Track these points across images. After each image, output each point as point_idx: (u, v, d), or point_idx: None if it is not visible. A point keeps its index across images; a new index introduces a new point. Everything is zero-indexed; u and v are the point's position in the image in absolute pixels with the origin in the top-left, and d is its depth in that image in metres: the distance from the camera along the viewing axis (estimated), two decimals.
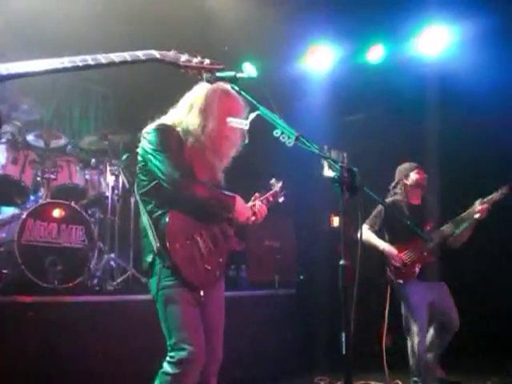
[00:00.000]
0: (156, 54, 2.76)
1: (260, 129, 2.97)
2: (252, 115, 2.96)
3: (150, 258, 3.38)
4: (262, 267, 7.90)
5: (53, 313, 4.80)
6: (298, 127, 2.89)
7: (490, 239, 7.20)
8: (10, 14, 6.95)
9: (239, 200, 3.47)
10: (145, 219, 3.49)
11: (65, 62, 2.51)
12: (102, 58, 2.57)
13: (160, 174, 3.33)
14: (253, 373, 5.69)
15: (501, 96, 6.92)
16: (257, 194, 3.89)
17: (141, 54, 2.70)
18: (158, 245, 3.29)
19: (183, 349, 3.16)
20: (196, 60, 2.88)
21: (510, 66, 6.90)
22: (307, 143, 2.80)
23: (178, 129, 3.47)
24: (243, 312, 6.19)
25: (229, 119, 3.14)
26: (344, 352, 2.53)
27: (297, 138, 2.78)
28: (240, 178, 3.83)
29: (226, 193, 3.46)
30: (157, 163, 3.36)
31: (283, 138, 2.79)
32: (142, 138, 3.54)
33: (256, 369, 5.35)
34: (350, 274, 2.62)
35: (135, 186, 3.63)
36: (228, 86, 3.33)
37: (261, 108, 2.92)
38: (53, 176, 6.37)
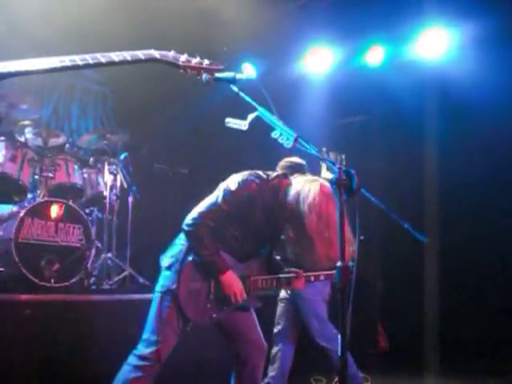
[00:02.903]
0: (155, 53, 2.77)
1: (257, 129, 2.97)
2: (251, 116, 2.96)
3: (168, 262, 3.59)
4: None
5: (49, 311, 4.80)
6: (297, 129, 2.89)
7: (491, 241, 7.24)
8: (11, 14, 6.96)
9: (230, 274, 3.53)
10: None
11: (65, 60, 2.51)
12: (102, 57, 2.57)
13: None
14: None
15: (501, 99, 6.92)
16: (300, 271, 3.81)
17: (140, 54, 2.70)
18: (179, 268, 3.51)
19: (148, 347, 3.43)
20: (195, 60, 2.88)
21: (510, 69, 6.89)
22: (305, 145, 2.80)
23: None
24: None
25: (227, 120, 3.14)
26: (339, 353, 2.53)
27: (295, 140, 2.78)
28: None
29: (224, 261, 3.54)
30: None
31: (281, 139, 2.80)
32: None
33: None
34: (348, 275, 2.62)
35: None
36: None
37: (260, 109, 2.93)
38: (51, 174, 6.37)
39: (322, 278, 3.84)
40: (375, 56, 8.17)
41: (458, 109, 7.25)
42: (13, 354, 4.45)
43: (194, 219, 3.49)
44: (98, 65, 2.58)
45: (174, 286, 3.47)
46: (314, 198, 3.41)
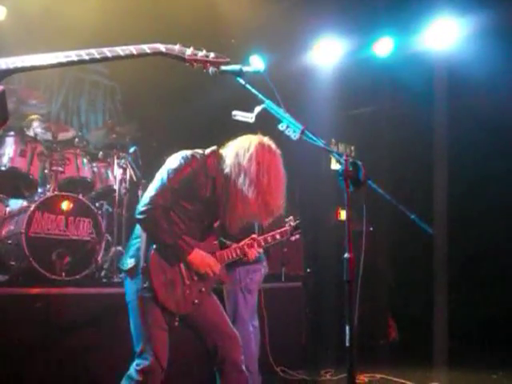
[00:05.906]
0: (161, 47, 2.77)
1: (266, 123, 2.98)
2: (258, 109, 2.97)
3: (131, 264, 3.51)
4: (269, 260, 7.89)
5: (60, 305, 4.83)
6: (307, 120, 2.89)
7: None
8: (18, 10, 6.98)
9: (197, 251, 3.52)
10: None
11: (71, 55, 2.52)
12: (108, 52, 2.58)
13: None
14: (258, 365, 5.70)
15: (510, 90, 6.89)
16: (254, 236, 4.00)
17: (146, 48, 2.70)
18: (144, 264, 3.42)
19: (146, 359, 3.37)
20: (201, 54, 2.88)
21: None
22: (312, 137, 2.80)
23: None
24: None
25: (234, 112, 3.14)
26: (348, 344, 2.54)
27: (302, 132, 2.78)
28: None
29: (187, 241, 3.50)
30: None
31: (288, 131, 2.80)
32: None
33: (261, 361, 5.36)
34: (355, 267, 2.62)
35: None
36: None
37: (267, 102, 2.93)
38: (60, 169, 6.38)
39: (269, 239, 4.08)
40: (384, 47, 8.15)
41: (467, 99, 7.22)
42: (24, 347, 4.48)
43: (145, 205, 3.40)
44: (105, 59, 2.58)
45: (147, 284, 3.37)
46: (255, 148, 3.47)
